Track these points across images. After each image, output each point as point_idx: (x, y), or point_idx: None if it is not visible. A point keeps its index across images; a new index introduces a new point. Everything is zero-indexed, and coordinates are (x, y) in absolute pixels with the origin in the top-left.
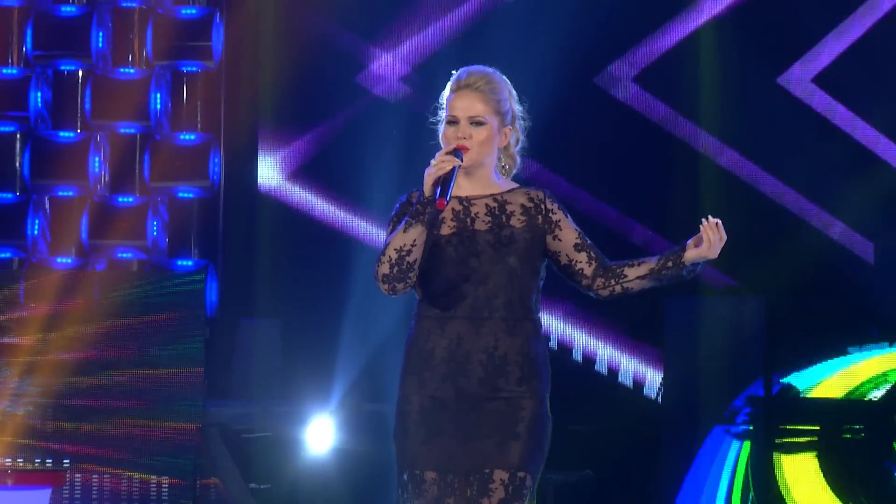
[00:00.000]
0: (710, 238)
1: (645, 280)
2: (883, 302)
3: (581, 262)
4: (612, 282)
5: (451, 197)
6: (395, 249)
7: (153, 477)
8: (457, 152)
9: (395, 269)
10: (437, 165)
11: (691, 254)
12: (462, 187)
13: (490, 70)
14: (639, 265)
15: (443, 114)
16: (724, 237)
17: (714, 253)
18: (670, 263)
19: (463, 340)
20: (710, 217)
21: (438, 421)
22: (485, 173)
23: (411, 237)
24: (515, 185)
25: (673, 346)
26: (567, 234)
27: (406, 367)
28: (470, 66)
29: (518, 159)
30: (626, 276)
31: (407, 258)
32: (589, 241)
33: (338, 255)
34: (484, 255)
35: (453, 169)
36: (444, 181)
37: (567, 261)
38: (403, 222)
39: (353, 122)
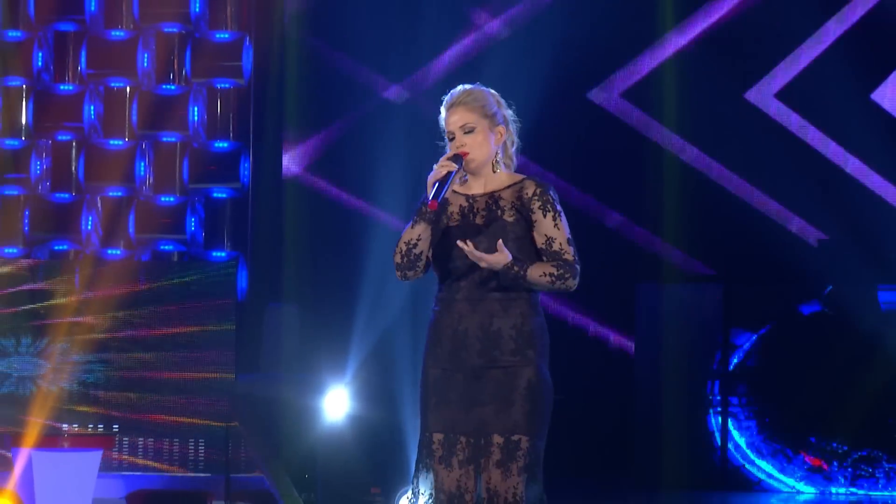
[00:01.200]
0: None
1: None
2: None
3: (546, 256)
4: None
5: (446, 198)
6: (404, 242)
7: (190, 442)
8: (457, 158)
9: (405, 259)
10: (436, 170)
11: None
12: (470, 187)
13: (471, 85)
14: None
15: (446, 137)
16: (480, 257)
17: (484, 263)
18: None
19: (463, 318)
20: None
21: (447, 390)
22: (489, 172)
23: (416, 232)
24: (519, 177)
25: (643, 326)
26: (541, 228)
27: (426, 344)
28: (454, 89)
29: (515, 159)
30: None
31: (414, 250)
32: (559, 238)
33: (352, 249)
34: (481, 245)
35: (449, 173)
36: (440, 184)
37: (538, 249)
38: (412, 218)
39: (364, 127)
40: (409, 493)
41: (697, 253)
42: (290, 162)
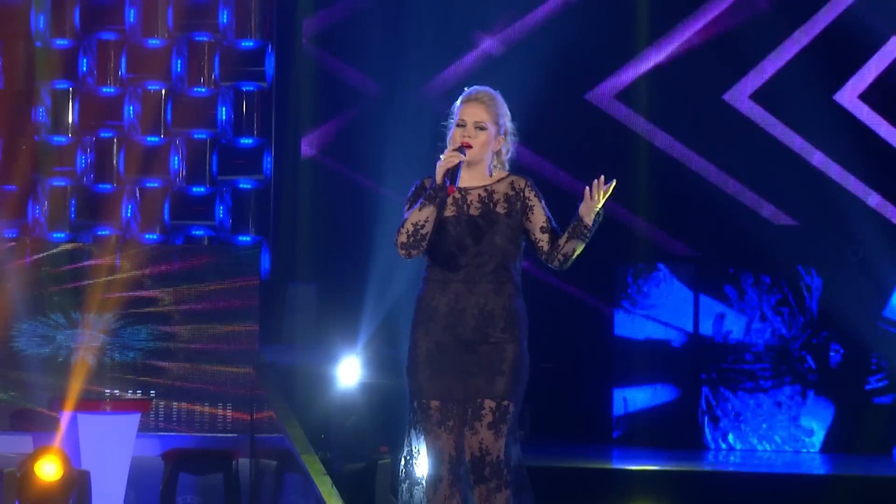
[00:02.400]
0: (596, 192)
1: (570, 241)
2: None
3: (543, 241)
4: (556, 253)
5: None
6: (412, 223)
7: (219, 406)
8: (461, 149)
9: (412, 238)
10: (447, 159)
11: (582, 209)
12: (462, 180)
13: (493, 90)
14: (564, 234)
15: (451, 121)
16: (605, 187)
17: (595, 204)
18: (576, 222)
19: (460, 298)
20: (601, 177)
21: (441, 361)
22: (481, 169)
23: (425, 215)
24: (505, 174)
25: (620, 300)
26: (537, 218)
27: (415, 319)
28: (478, 86)
29: (507, 166)
30: (559, 246)
31: (421, 231)
32: (554, 226)
33: (362, 234)
34: (476, 234)
35: (458, 163)
36: (452, 172)
37: (533, 238)
38: (419, 202)
39: (371, 122)
40: (405, 455)
41: (681, 236)
42: (307, 156)
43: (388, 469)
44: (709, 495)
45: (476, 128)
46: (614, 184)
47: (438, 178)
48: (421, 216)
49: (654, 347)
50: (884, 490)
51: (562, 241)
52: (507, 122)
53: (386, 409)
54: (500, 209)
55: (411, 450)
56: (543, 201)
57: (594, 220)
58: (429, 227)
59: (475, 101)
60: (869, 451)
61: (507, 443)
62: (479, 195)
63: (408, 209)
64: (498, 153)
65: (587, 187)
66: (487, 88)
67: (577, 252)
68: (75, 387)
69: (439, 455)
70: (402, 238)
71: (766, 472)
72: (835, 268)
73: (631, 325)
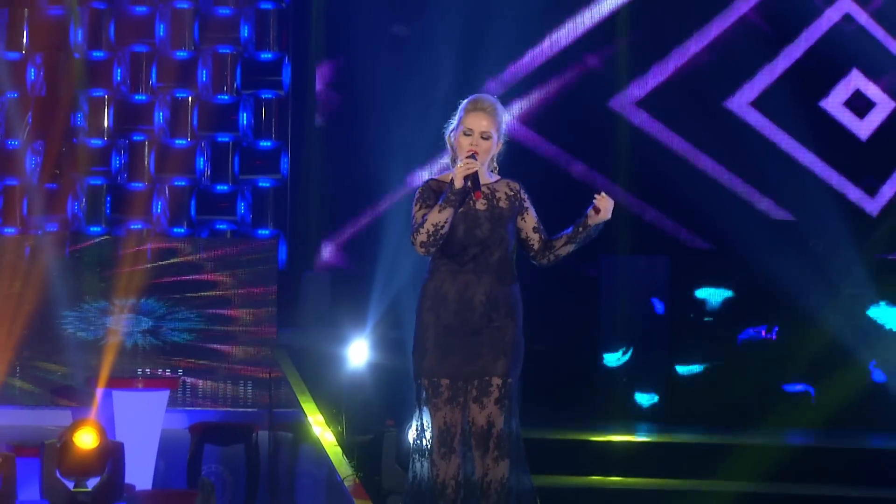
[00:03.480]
0: (605, 206)
1: (567, 246)
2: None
3: (534, 240)
4: (548, 253)
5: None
6: (432, 224)
7: (240, 383)
8: (473, 156)
9: (431, 238)
10: (466, 166)
11: (593, 219)
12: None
13: (495, 99)
14: (561, 238)
15: (453, 121)
16: (612, 203)
17: (607, 216)
18: (581, 229)
19: (469, 286)
20: (601, 192)
21: (450, 343)
22: (482, 171)
23: (444, 216)
24: (498, 177)
25: (606, 290)
26: (530, 219)
27: (424, 305)
28: (481, 94)
29: (497, 166)
30: (554, 247)
31: (441, 231)
32: (542, 227)
33: (370, 229)
34: (484, 229)
35: (476, 170)
36: (474, 178)
37: (525, 236)
38: (439, 204)
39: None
40: (414, 430)
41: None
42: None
43: (393, 441)
44: None
45: (482, 137)
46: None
47: (458, 183)
48: (441, 218)
49: None
50: None
51: (558, 243)
52: (504, 129)
53: (392, 386)
54: (502, 205)
55: (421, 424)
56: (532, 205)
57: (596, 230)
58: (447, 228)
59: (481, 110)
60: None
61: (513, 415)
62: (484, 193)
63: (418, 209)
64: (493, 156)
65: (594, 203)
66: (490, 98)
67: (566, 253)
68: (109, 366)
69: (447, 429)
70: (423, 238)
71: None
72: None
73: None
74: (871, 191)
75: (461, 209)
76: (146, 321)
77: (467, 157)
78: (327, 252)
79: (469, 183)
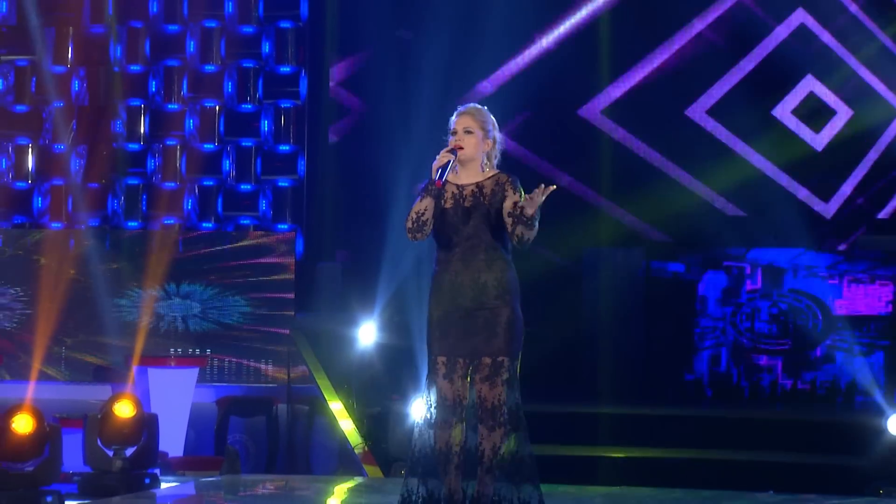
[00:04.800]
0: (534, 197)
1: (516, 226)
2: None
3: (508, 223)
4: (513, 234)
5: (447, 180)
6: (415, 212)
7: (262, 361)
8: (453, 151)
9: (415, 224)
10: (439, 159)
11: (525, 202)
12: (460, 177)
13: (479, 105)
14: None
15: (450, 133)
16: (540, 201)
17: (531, 206)
18: (518, 212)
19: (459, 274)
20: (546, 185)
21: (447, 325)
22: (475, 167)
23: (424, 205)
24: (494, 171)
25: (588, 279)
26: (507, 204)
27: (430, 292)
28: (466, 103)
29: (495, 167)
30: (515, 234)
31: (422, 217)
32: (517, 213)
33: (377, 223)
34: (472, 221)
35: (447, 161)
36: (442, 170)
37: (503, 220)
38: (420, 195)
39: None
40: (423, 400)
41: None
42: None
43: (398, 413)
44: None
45: (465, 132)
46: (553, 188)
47: (433, 173)
48: (421, 206)
49: None
50: None
51: (509, 225)
52: (495, 132)
53: (397, 364)
54: (487, 199)
55: (428, 397)
56: (518, 194)
57: (536, 214)
58: (428, 215)
59: (464, 113)
60: None
61: (506, 390)
62: (472, 190)
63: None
64: (488, 155)
65: (537, 189)
66: (474, 104)
67: (528, 236)
68: (144, 346)
69: (446, 401)
70: (408, 224)
71: None
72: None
73: None
74: (820, 191)
75: (450, 204)
76: (178, 306)
77: (445, 151)
78: (339, 244)
79: (440, 173)
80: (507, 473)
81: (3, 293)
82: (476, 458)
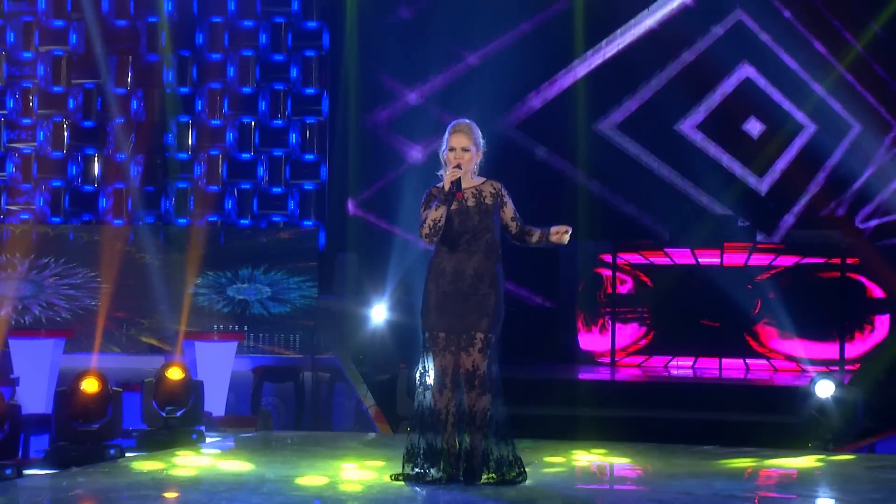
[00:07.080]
0: (562, 237)
1: (535, 243)
2: None
3: (512, 227)
4: (523, 238)
5: (462, 190)
6: (432, 220)
7: (291, 335)
8: (458, 167)
9: (432, 230)
10: (451, 175)
11: (554, 238)
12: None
13: (471, 121)
14: (534, 234)
15: (443, 143)
16: (568, 238)
17: (560, 243)
18: (544, 240)
19: (461, 263)
20: (568, 229)
21: (446, 305)
22: (467, 176)
23: (440, 213)
24: (483, 178)
25: (563, 270)
26: (508, 211)
27: (428, 277)
28: (460, 119)
29: (477, 169)
30: (526, 240)
31: (439, 224)
32: (518, 216)
33: (388, 222)
34: (473, 220)
35: (459, 177)
36: (457, 183)
37: (505, 224)
38: (434, 205)
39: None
40: (420, 370)
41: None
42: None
43: (405, 379)
44: None
45: (462, 150)
46: (570, 229)
47: (446, 186)
48: (437, 214)
49: None
50: None
51: (530, 238)
52: (480, 141)
53: (404, 338)
54: (488, 201)
55: (425, 366)
56: (511, 199)
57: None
58: (443, 221)
59: (459, 131)
60: None
61: (489, 362)
62: (472, 193)
63: (423, 210)
64: (477, 163)
65: (559, 231)
66: (466, 120)
67: (530, 246)
68: (191, 322)
69: (442, 370)
70: (426, 231)
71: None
72: None
73: None
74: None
75: (455, 206)
76: (219, 288)
77: (453, 168)
78: (355, 238)
79: (454, 187)
80: (492, 431)
81: (77, 273)
82: (467, 418)
